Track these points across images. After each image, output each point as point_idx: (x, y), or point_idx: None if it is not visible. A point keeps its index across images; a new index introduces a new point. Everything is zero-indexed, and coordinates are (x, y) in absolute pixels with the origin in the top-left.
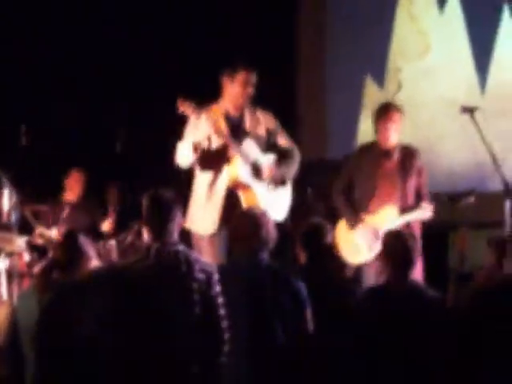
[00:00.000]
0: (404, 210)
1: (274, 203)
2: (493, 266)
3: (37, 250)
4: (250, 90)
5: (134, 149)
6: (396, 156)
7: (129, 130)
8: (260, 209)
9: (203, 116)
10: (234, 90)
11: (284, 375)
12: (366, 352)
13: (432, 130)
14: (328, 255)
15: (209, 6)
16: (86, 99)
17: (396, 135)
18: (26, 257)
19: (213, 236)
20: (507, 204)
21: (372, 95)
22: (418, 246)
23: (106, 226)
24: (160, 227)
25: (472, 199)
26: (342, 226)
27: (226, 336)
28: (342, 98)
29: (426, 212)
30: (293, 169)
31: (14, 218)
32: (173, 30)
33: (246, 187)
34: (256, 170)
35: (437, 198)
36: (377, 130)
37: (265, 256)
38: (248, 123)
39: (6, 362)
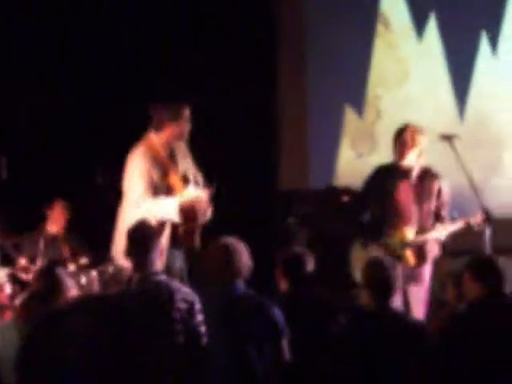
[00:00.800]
0: (420, 231)
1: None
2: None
3: (19, 283)
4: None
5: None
6: (415, 177)
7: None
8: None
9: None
10: (178, 130)
11: None
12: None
13: None
14: (309, 283)
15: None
16: (65, 133)
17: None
18: (8, 289)
19: None
20: (487, 231)
21: (351, 124)
22: (397, 273)
23: (84, 260)
24: (141, 258)
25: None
26: (357, 245)
27: (207, 366)
28: (322, 127)
29: (441, 233)
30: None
31: None
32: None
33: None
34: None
35: None
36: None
37: (240, 285)
38: (179, 156)
39: None
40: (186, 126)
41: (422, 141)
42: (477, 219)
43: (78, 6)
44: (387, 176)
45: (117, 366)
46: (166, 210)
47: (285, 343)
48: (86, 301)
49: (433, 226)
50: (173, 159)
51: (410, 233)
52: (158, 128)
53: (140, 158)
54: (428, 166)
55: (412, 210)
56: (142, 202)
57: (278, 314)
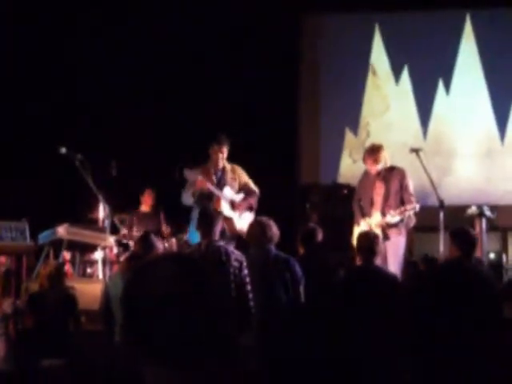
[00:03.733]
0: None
1: (243, 223)
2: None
3: (122, 245)
4: (221, 158)
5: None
6: (382, 176)
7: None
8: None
9: (198, 174)
10: (213, 158)
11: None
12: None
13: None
14: (318, 250)
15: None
16: (155, 143)
17: (378, 165)
18: (115, 250)
19: None
20: (441, 215)
21: (349, 141)
22: (378, 241)
23: (165, 228)
24: (207, 230)
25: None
26: (356, 227)
27: (252, 304)
28: (329, 142)
29: (393, 218)
30: (255, 200)
31: (106, 223)
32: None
33: (226, 218)
34: (232, 205)
35: None
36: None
37: (272, 248)
38: (227, 177)
39: (102, 321)
40: (215, 153)
41: (376, 155)
42: (411, 206)
43: None
44: (366, 178)
45: (189, 301)
46: (185, 196)
47: (301, 288)
48: (170, 255)
49: (388, 212)
50: (219, 183)
51: (376, 216)
52: (209, 158)
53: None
54: (393, 165)
55: (379, 201)
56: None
57: (298, 268)
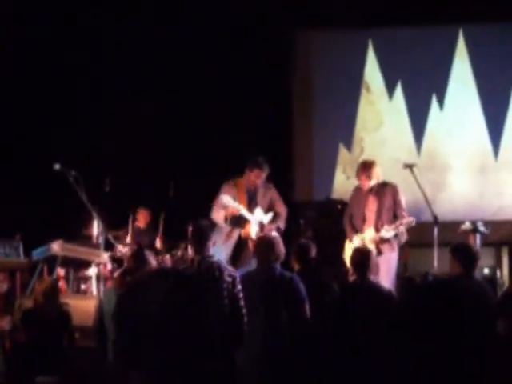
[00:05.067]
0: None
1: None
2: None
3: (116, 261)
4: (259, 181)
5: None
6: (375, 192)
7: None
8: (272, 235)
9: (234, 186)
10: (250, 179)
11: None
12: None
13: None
14: (313, 265)
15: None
16: (147, 161)
17: (371, 181)
18: (109, 266)
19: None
20: (435, 230)
21: (343, 156)
22: (372, 256)
23: (159, 244)
24: (200, 245)
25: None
26: (347, 243)
27: (245, 319)
28: (323, 158)
29: (388, 232)
30: (283, 221)
31: (100, 239)
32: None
33: (254, 240)
34: (261, 227)
35: None
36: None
37: (277, 266)
38: (259, 196)
39: (95, 337)
40: (254, 181)
41: (369, 171)
42: (408, 220)
43: None
44: (358, 194)
45: (182, 317)
46: (217, 217)
47: (306, 306)
48: (162, 271)
49: (382, 227)
50: (251, 203)
51: (370, 231)
52: (244, 172)
53: (225, 186)
54: (385, 181)
55: (373, 217)
56: (213, 211)
57: (302, 286)
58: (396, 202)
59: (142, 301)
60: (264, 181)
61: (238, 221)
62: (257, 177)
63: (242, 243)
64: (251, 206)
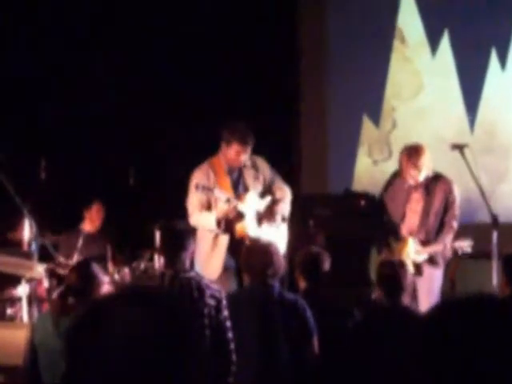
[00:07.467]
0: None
1: (277, 242)
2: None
3: (56, 278)
4: (243, 158)
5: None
6: (423, 187)
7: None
8: (268, 241)
9: (209, 169)
10: (229, 155)
11: None
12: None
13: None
14: (325, 283)
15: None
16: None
17: (421, 172)
18: (46, 283)
19: (219, 278)
20: (494, 235)
21: (369, 133)
22: (406, 273)
23: (118, 257)
24: (173, 255)
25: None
26: (375, 255)
27: (234, 357)
28: (341, 136)
29: (420, 256)
30: (287, 206)
31: (34, 246)
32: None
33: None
34: (259, 219)
35: None
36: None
37: (276, 284)
38: (247, 178)
39: (26, 376)
40: (234, 158)
41: (419, 161)
42: (461, 244)
43: None
44: (398, 185)
45: (155, 357)
46: (206, 222)
47: (315, 340)
48: (131, 292)
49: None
50: (237, 189)
51: (411, 244)
52: (219, 149)
53: (196, 174)
54: (437, 173)
55: (416, 222)
56: (192, 214)
57: (309, 313)
58: (449, 203)
59: (106, 333)
60: (250, 155)
61: (232, 221)
62: (238, 153)
63: (238, 248)
64: (238, 193)
